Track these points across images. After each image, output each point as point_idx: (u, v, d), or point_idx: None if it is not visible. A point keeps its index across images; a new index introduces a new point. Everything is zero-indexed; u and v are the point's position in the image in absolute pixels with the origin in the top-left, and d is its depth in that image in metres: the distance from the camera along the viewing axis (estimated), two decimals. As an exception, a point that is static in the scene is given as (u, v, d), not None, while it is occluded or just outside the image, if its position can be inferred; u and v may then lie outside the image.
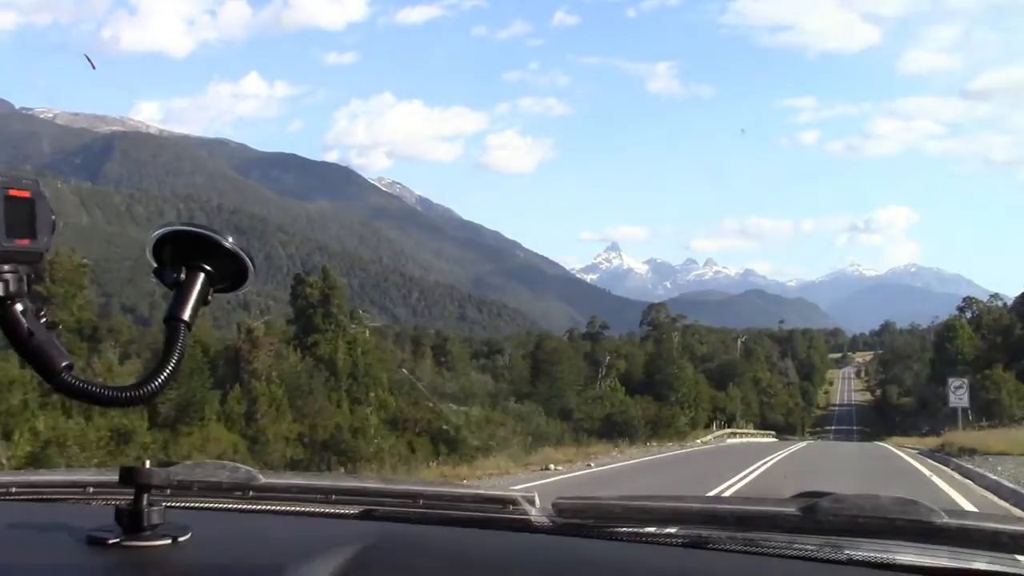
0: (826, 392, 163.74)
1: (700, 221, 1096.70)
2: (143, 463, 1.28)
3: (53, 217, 1.08)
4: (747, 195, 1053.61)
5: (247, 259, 1.25)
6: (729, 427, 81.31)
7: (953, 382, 44.32)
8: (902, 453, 35.35)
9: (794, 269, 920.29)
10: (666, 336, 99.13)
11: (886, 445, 49.68)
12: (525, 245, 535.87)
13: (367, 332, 56.42)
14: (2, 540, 1.26)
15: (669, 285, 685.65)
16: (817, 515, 1.45)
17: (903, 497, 1.45)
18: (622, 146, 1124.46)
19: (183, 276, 1.23)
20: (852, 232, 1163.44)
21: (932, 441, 40.51)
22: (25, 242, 1.01)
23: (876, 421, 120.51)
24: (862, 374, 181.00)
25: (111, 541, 1.20)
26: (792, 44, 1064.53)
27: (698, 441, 56.80)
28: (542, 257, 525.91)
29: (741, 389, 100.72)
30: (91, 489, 1.79)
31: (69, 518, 1.42)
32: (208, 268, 1.24)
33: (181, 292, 1.23)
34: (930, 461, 28.05)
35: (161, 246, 1.24)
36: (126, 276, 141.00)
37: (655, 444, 47.68)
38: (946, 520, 1.36)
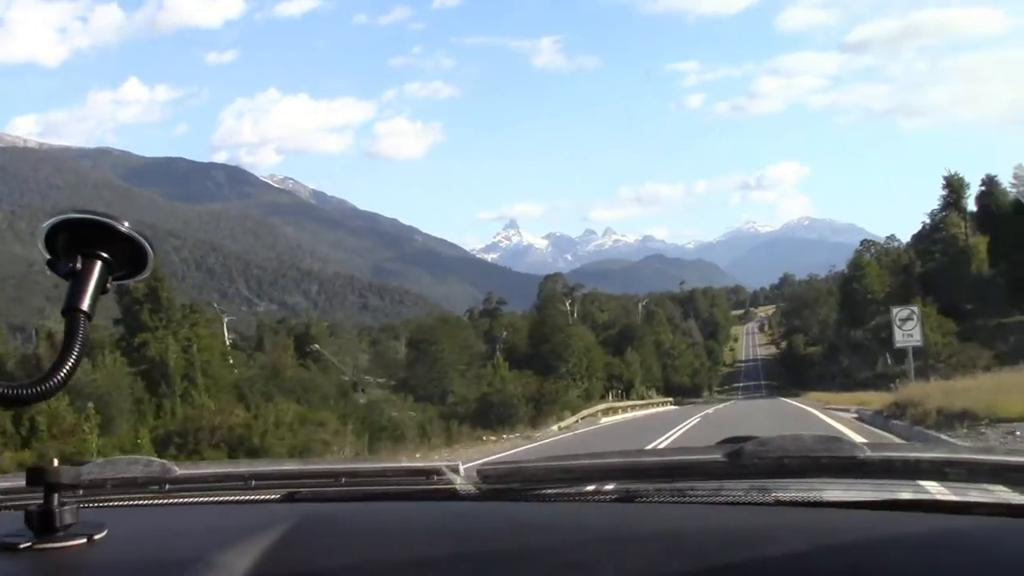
0: (731, 349, 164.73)
1: (596, 192, 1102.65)
2: (50, 462, 1.23)
3: None
4: (640, 163, 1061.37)
5: (145, 244, 1.20)
6: (627, 396, 76.55)
7: (899, 312, 33.80)
8: (836, 423, 24.60)
9: (691, 231, 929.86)
10: (551, 302, 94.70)
11: (803, 405, 43.12)
12: (423, 230, 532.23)
13: (200, 327, 52.28)
14: None
15: (570, 258, 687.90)
16: (742, 460, 1.44)
17: (826, 435, 1.47)
18: (512, 124, 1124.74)
19: (79, 265, 1.18)
20: (744, 190, 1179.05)
21: (872, 399, 32.42)
22: None
23: (784, 374, 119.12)
24: (766, 328, 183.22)
25: (22, 545, 1.14)
26: (673, 9, 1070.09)
27: (555, 428, 41.78)
28: (441, 240, 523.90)
29: (641, 353, 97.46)
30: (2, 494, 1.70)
31: None
32: (105, 255, 1.19)
33: (78, 281, 1.18)
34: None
35: (54, 236, 1.18)
36: (11, 294, 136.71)
37: (492, 437, 35.60)
38: (868, 454, 1.37)
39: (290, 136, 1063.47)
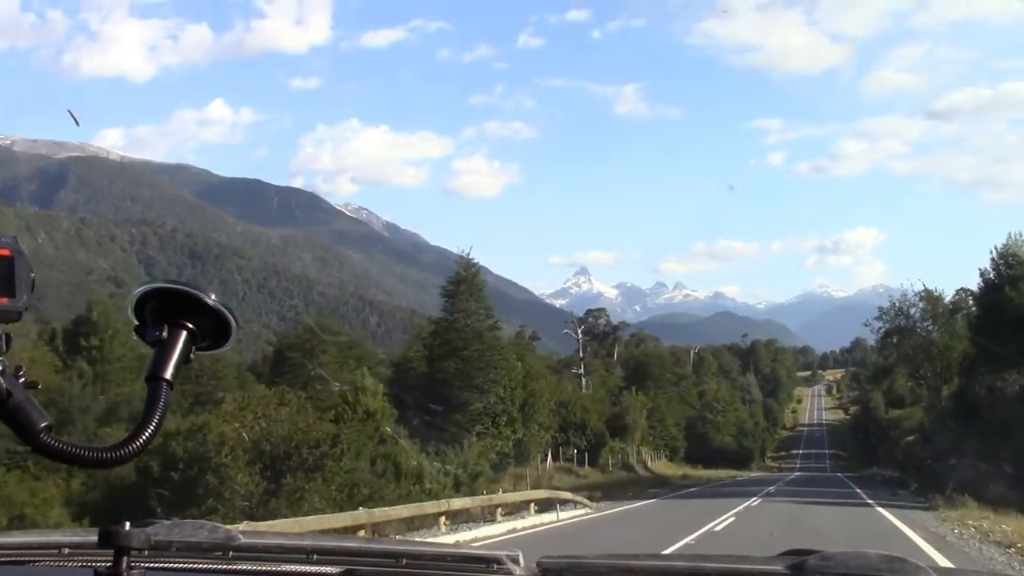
0: (794, 411, 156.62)
1: (669, 244, 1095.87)
2: (123, 524, 1.24)
3: (32, 274, 1.04)
4: (716, 218, 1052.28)
5: (230, 316, 1.21)
6: (591, 459, 57.81)
7: None
8: None
9: (763, 291, 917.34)
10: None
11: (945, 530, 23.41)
12: (493, 270, 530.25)
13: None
14: None
15: (639, 309, 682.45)
16: (804, 574, 1.40)
17: (890, 554, 1.40)
18: (589, 170, 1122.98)
19: (165, 334, 1.18)
20: (820, 253, 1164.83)
21: None
22: (4, 301, 0.99)
23: (855, 444, 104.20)
24: (833, 391, 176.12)
25: None
26: (758, 65, 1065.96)
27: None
28: (510, 282, 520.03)
29: (656, 399, 79.25)
30: (66, 551, 1.74)
31: None
32: (190, 325, 1.19)
33: (162, 350, 1.18)
34: None
35: (143, 303, 1.19)
36: (65, 301, 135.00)
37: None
38: None
39: (368, 166, 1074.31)
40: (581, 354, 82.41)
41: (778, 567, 1.53)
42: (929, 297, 59.31)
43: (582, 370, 79.11)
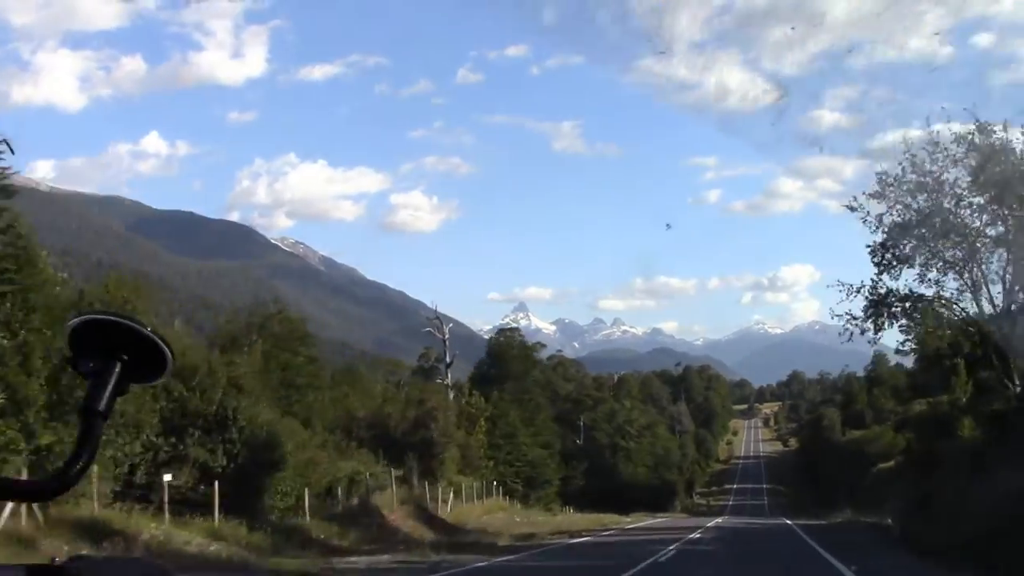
0: (729, 443, 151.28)
1: (608, 280, 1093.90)
2: (52, 559, 1.22)
3: None
4: (654, 254, 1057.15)
5: (166, 348, 1.19)
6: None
7: None
8: None
9: (701, 328, 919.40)
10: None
11: None
12: (431, 305, 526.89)
13: None
14: None
15: (577, 345, 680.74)
16: None
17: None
18: (528, 205, 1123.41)
19: (99, 366, 1.17)
20: (757, 290, 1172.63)
21: None
22: None
23: (799, 478, 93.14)
24: (771, 423, 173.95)
25: None
26: (695, 103, 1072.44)
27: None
28: (449, 318, 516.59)
29: (497, 403, 66.36)
30: None
31: None
32: (125, 357, 1.17)
33: (97, 382, 1.17)
34: None
35: (77, 334, 1.17)
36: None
37: None
38: None
39: (305, 201, 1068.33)
40: (448, 358, 66.01)
41: None
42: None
43: (448, 378, 64.36)
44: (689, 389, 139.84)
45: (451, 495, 47.38)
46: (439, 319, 67.82)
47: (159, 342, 1.20)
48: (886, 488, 49.27)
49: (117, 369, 1.18)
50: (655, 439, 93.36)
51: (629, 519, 63.36)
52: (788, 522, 51.67)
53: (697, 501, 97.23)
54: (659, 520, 62.95)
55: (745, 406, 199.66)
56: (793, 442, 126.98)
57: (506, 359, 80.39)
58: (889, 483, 50.11)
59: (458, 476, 51.47)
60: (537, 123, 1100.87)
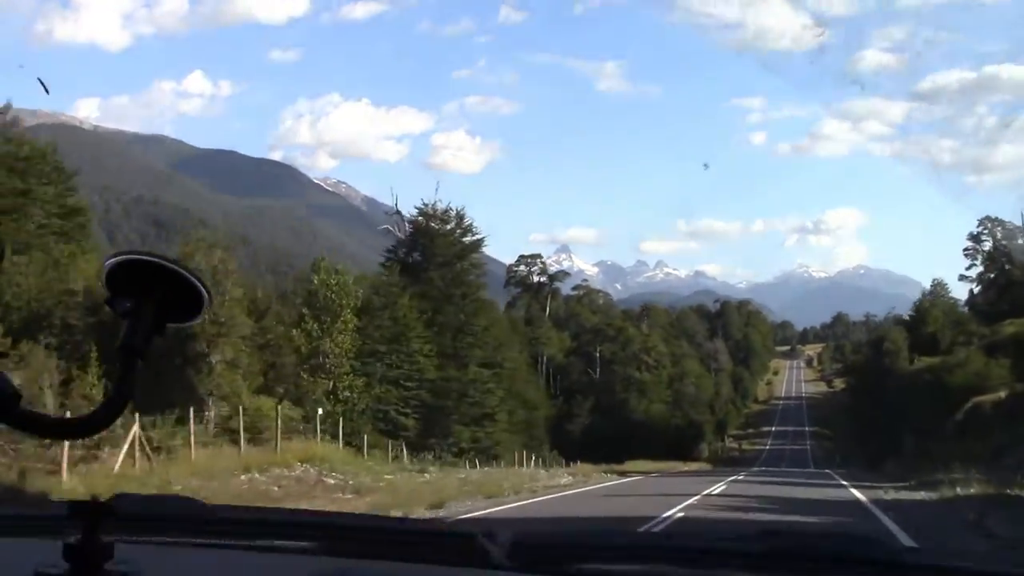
0: (768, 383, 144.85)
1: (651, 223, 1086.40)
2: (92, 497, 1.25)
3: (2, 245, 1.08)
4: (697, 197, 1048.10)
5: (202, 287, 1.20)
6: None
7: None
8: None
9: (744, 271, 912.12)
10: None
11: None
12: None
13: None
14: None
15: (620, 287, 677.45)
16: (778, 551, 1.37)
17: (867, 535, 1.34)
18: (571, 146, 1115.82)
19: (136, 305, 1.18)
20: (802, 234, 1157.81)
21: None
22: None
23: (848, 425, 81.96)
24: (814, 363, 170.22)
25: None
26: (742, 43, 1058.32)
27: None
28: (491, 259, 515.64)
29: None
30: (38, 523, 1.76)
31: (16, 554, 1.41)
32: (161, 297, 1.19)
33: (133, 321, 1.17)
34: None
35: (115, 274, 1.18)
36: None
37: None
38: (918, 559, 1.30)
39: (348, 141, 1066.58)
40: (402, 253, 59.82)
41: (752, 545, 1.49)
42: None
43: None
44: (727, 326, 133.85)
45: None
46: (399, 214, 63.22)
47: (195, 281, 1.20)
48: (992, 432, 36.33)
49: (154, 308, 1.19)
50: (684, 373, 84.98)
51: (603, 476, 47.40)
52: (853, 491, 31.12)
53: (729, 445, 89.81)
54: (637, 480, 43.47)
55: (787, 347, 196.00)
56: (839, 383, 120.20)
57: (432, 247, 62.37)
58: (1000, 424, 37.07)
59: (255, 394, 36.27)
60: (581, 63, 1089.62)
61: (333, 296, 44.97)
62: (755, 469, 58.28)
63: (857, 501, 26.36)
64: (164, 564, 1.30)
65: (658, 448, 68.65)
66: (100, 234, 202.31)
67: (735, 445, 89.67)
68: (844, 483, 36.51)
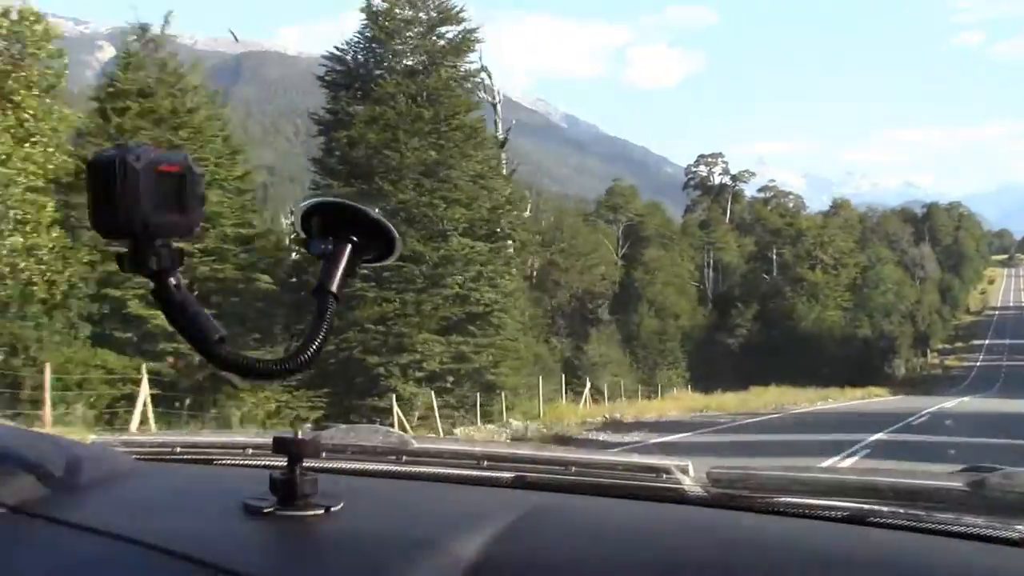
0: (983, 292, 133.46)
1: (857, 133, 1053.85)
2: (296, 432, 1.30)
3: (202, 191, 1.06)
4: (904, 105, 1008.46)
5: (393, 230, 1.24)
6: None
7: None
8: None
9: (957, 181, 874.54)
10: None
11: None
12: (673, 160, 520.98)
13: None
14: (165, 504, 1.32)
15: (825, 199, 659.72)
16: (985, 491, 1.34)
17: None
18: (771, 57, 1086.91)
19: (330, 247, 1.23)
20: (1022, 141, 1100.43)
21: None
22: (176, 216, 1.03)
23: None
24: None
25: (266, 510, 1.22)
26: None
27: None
28: (675, 166, 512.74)
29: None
30: (250, 451, 1.85)
31: (226, 483, 1.49)
32: (355, 239, 1.23)
33: (328, 263, 1.23)
34: None
35: (309, 217, 1.23)
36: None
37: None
38: None
39: (544, 59, 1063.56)
40: (501, 132, 46.38)
41: (957, 483, 1.45)
42: None
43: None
44: (935, 230, 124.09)
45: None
46: (485, 70, 43.41)
47: (387, 225, 1.24)
48: None
49: (347, 250, 1.24)
50: (880, 279, 73.22)
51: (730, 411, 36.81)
52: None
53: (931, 361, 79.56)
54: (774, 417, 32.81)
55: (1005, 256, 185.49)
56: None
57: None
58: None
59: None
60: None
61: None
62: (963, 399, 45.15)
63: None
64: (363, 496, 1.35)
65: (833, 366, 57.18)
66: (302, 159, 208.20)
67: (936, 361, 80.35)
68: None
